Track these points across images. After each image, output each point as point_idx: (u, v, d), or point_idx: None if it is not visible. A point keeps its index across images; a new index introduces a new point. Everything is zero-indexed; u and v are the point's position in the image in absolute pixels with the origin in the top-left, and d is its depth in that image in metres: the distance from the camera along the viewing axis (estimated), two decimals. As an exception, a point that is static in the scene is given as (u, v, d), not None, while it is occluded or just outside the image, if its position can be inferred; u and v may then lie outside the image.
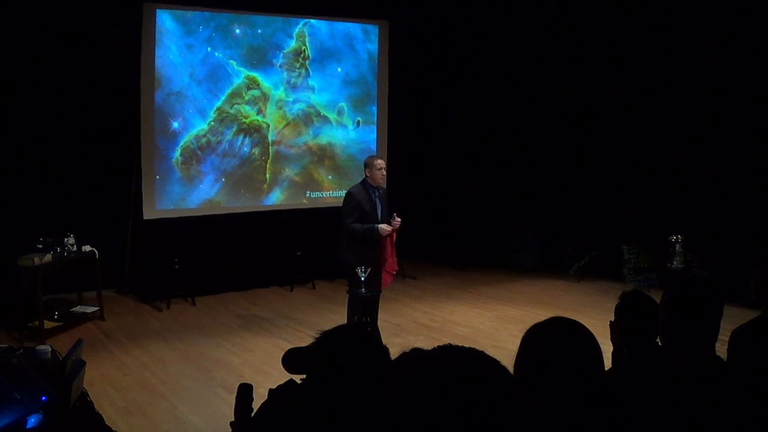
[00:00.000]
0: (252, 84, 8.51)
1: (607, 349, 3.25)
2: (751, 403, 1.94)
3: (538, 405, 1.59)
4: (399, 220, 5.83)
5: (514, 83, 9.71)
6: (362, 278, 5.56)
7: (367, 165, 5.93)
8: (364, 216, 5.79)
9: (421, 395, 0.98)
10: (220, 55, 8.24)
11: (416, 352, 1.36)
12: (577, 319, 1.76)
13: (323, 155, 9.12)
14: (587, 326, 1.76)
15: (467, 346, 1.08)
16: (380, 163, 5.89)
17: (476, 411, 0.97)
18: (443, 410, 0.96)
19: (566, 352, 1.68)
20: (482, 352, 1.05)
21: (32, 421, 2.88)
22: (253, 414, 2.25)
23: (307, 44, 8.85)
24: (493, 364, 1.04)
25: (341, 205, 6.01)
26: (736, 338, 2.57)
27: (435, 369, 1.01)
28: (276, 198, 8.86)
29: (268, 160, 8.74)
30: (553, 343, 1.71)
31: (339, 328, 2.01)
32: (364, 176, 5.96)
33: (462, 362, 1.02)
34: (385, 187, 6.13)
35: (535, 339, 1.74)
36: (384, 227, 5.74)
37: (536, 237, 9.80)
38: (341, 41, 9.12)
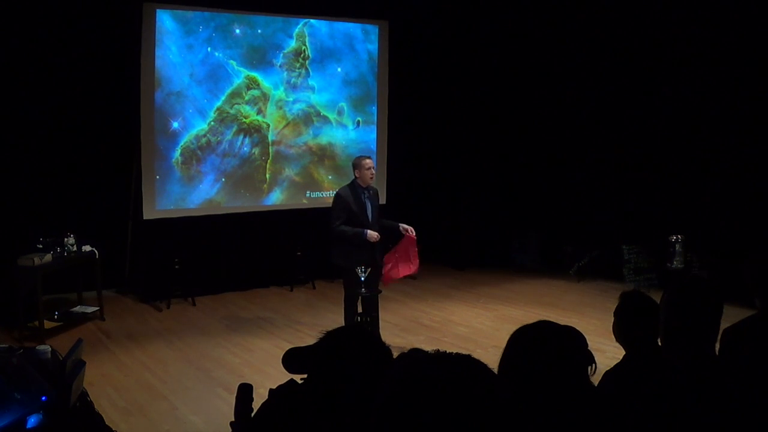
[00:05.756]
0: (252, 84, 8.51)
1: (606, 349, 3.26)
2: (745, 403, 1.94)
3: (522, 406, 1.61)
4: (412, 232, 5.85)
5: (515, 83, 9.71)
6: (362, 278, 5.55)
7: (356, 165, 5.88)
8: (353, 217, 5.74)
9: (412, 401, 1.01)
10: (220, 55, 8.24)
11: (415, 352, 1.37)
12: (577, 319, 1.77)
13: (323, 155, 9.12)
14: (587, 326, 1.77)
15: (465, 345, 1.09)
16: (368, 162, 5.83)
17: (465, 414, 0.99)
18: (433, 414, 0.99)
19: (549, 356, 1.70)
20: (469, 356, 1.07)
21: (32, 421, 2.88)
22: (253, 414, 2.25)
23: (307, 44, 8.85)
24: (481, 368, 1.05)
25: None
26: (726, 338, 2.58)
27: (425, 374, 1.04)
28: (276, 198, 8.86)
29: (268, 160, 8.74)
30: (536, 347, 1.72)
31: (341, 329, 2.01)
32: (354, 177, 5.90)
33: (451, 367, 1.04)
34: (375, 187, 6.10)
35: (520, 342, 1.75)
36: (372, 234, 5.67)
37: (536, 237, 9.80)
38: (341, 41, 9.12)
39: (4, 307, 6.55)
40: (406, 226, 5.86)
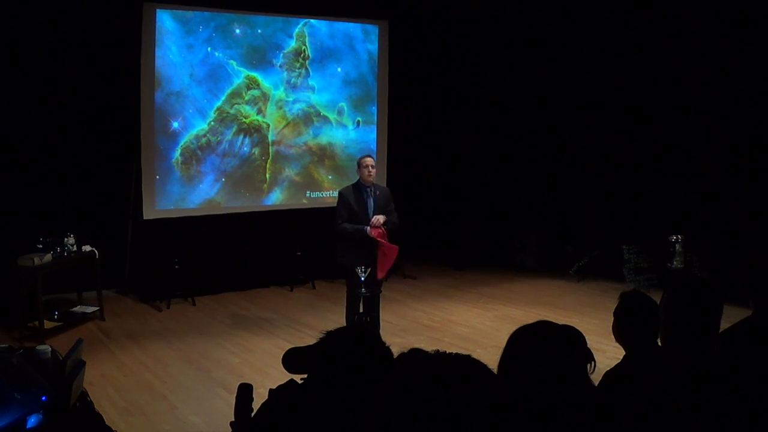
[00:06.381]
0: (252, 84, 8.50)
1: (606, 349, 3.26)
2: (744, 404, 1.94)
3: (522, 406, 1.61)
4: (380, 220, 5.74)
5: (515, 83, 9.70)
6: (362, 278, 5.56)
7: (357, 164, 5.99)
8: (354, 215, 5.79)
9: (412, 401, 1.01)
10: (220, 55, 8.24)
11: (415, 352, 1.37)
12: (577, 319, 1.77)
13: (323, 155, 9.12)
14: (587, 326, 1.77)
15: (465, 345, 1.09)
16: (366, 161, 5.87)
17: (465, 414, 0.99)
18: (434, 414, 0.99)
19: (549, 356, 1.70)
20: (469, 356, 1.07)
21: (32, 421, 2.88)
22: (253, 414, 2.25)
23: (307, 44, 8.85)
24: (481, 368, 1.06)
25: None
26: (721, 341, 2.57)
27: (425, 374, 1.04)
28: (276, 198, 8.86)
29: (268, 160, 8.74)
30: (536, 347, 1.73)
31: (341, 329, 2.01)
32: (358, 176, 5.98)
33: (451, 367, 1.04)
34: (385, 187, 6.11)
35: (520, 342, 1.75)
36: (369, 228, 5.73)
37: (536, 237, 9.80)
38: (341, 41, 9.11)
39: (4, 307, 6.55)
40: (378, 217, 5.79)
